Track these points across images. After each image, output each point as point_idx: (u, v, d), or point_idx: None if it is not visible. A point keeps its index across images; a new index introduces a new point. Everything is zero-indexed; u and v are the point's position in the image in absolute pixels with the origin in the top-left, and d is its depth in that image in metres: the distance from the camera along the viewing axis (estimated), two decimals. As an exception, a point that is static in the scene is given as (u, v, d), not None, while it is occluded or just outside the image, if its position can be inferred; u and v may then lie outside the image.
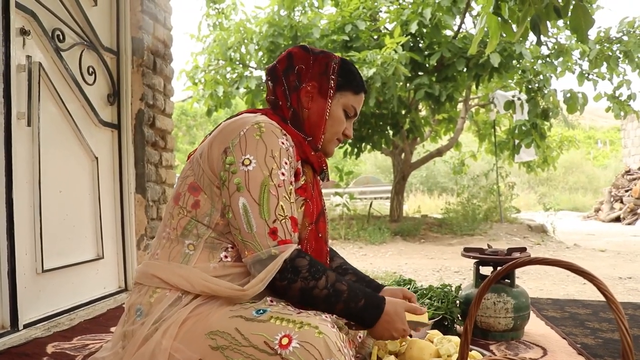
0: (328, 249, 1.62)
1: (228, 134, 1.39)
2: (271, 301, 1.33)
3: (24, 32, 2.50)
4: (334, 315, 1.34)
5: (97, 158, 3.10)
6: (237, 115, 1.51)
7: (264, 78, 8.23)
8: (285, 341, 1.20)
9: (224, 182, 1.35)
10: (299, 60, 1.54)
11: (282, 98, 1.54)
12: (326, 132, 1.55)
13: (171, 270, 1.36)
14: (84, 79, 2.99)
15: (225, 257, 1.38)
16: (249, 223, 1.31)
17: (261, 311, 1.27)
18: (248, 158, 1.34)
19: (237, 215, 1.32)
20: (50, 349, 2.24)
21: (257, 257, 1.30)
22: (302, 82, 1.53)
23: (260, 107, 7.97)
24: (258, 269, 1.30)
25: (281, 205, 1.33)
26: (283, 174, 1.36)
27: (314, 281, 1.32)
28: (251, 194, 1.32)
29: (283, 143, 1.38)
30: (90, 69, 3.05)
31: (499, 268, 2.65)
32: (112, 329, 2.55)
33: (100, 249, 3.11)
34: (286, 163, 1.38)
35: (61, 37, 2.78)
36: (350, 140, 7.89)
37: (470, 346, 1.54)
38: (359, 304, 1.37)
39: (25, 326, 2.44)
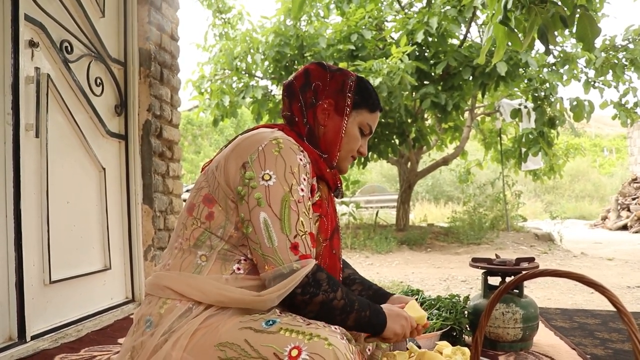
0: (341, 265, 1.62)
1: (246, 148, 1.39)
2: (280, 312, 1.33)
3: (32, 44, 2.52)
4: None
5: (104, 169, 3.11)
6: (253, 129, 1.52)
7: (270, 88, 8.26)
8: (294, 353, 1.19)
9: (243, 196, 1.35)
10: (316, 77, 1.55)
11: (299, 114, 1.54)
12: (341, 149, 1.56)
13: (183, 281, 1.36)
14: (91, 90, 3.00)
15: (238, 269, 1.38)
16: (270, 238, 1.31)
17: (270, 322, 1.27)
18: (268, 173, 1.34)
19: (258, 229, 1.32)
20: (58, 360, 2.24)
21: (279, 272, 1.30)
22: (319, 99, 1.54)
23: (266, 116, 8.06)
24: (278, 283, 1.30)
25: (301, 221, 1.34)
26: (302, 189, 1.36)
27: (334, 293, 1.34)
28: (272, 209, 1.32)
29: (301, 159, 1.39)
30: (98, 80, 3.06)
31: (507, 279, 2.65)
32: (120, 340, 2.55)
33: (107, 259, 3.12)
34: (304, 179, 1.38)
35: (69, 48, 2.80)
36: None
37: (483, 358, 1.53)
38: (367, 312, 1.39)
39: (33, 337, 2.43)
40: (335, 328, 1.28)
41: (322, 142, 1.55)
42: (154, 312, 1.36)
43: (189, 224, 1.43)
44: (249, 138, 1.42)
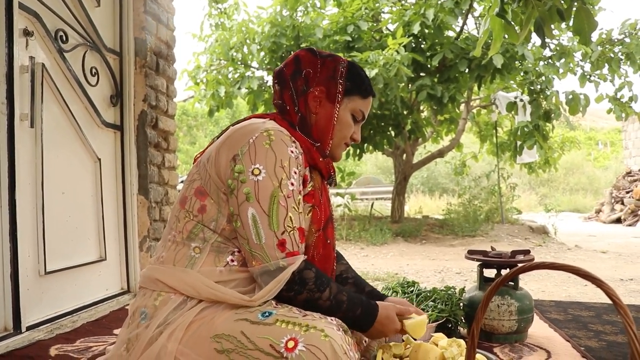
0: (335, 254, 1.61)
1: (237, 140, 1.37)
2: (276, 304, 1.33)
3: (27, 33, 2.50)
4: None
5: (99, 159, 3.09)
6: (245, 119, 1.50)
7: (265, 78, 8.23)
8: (291, 344, 1.20)
9: (233, 190, 1.34)
10: (307, 64, 1.53)
11: (290, 103, 1.52)
12: (334, 137, 1.54)
13: (176, 276, 1.35)
14: (87, 80, 2.98)
15: (232, 261, 1.37)
16: (258, 234, 1.30)
17: (267, 314, 1.27)
18: (258, 167, 1.33)
19: (246, 225, 1.31)
20: (53, 351, 2.24)
21: (265, 268, 1.30)
22: (310, 87, 1.51)
23: (262, 107, 8.03)
24: (265, 280, 1.30)
25: (290, 217, 1.33)
26: (292, 183, 1.35)
27: (319, 293, 1.34)
28: (261, 205, 1.31)
29: (292, 151, 1.37)
30: (93, 70, 3.05)
31: (503, 271, 2.65)
32: (115, 331, 2.55)
33: (102, 250, 3.11)
34: (295, 172, 1.37)
35: (64, 37, 2.78)
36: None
37: (478, 350, 1.53)
38: (356, 312, 1.39)
39: (28, 328, 2.43)
40: (332, 319, 1.28)
41: (315, 130, 1.52)
42: (148, 304, 1.36)
43: (182, 216, 1.42)
44: (240, 129, 1.40)
